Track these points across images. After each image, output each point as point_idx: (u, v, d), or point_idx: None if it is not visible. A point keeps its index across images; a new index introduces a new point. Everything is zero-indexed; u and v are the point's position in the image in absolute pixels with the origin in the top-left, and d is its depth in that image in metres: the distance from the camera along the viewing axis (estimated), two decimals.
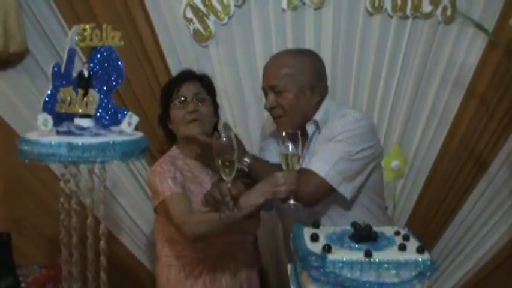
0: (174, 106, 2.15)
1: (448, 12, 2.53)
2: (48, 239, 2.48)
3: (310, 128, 2.12)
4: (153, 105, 2.51)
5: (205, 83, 2.22)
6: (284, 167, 1.85)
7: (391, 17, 2.53)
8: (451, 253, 2.74)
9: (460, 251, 2.74)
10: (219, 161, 1.77)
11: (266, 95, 2.15)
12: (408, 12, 2.52)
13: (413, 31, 2.55)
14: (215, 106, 2.25)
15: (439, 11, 2.53)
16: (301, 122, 2.11)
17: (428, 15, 2.53)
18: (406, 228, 1.71)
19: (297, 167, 1.85)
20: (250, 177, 2.01)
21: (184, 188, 2.07)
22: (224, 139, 1.76)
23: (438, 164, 2.60)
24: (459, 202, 2.68)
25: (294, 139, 1.82)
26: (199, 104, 2.15)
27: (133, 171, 2.61)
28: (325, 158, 1.98)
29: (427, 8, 2.53)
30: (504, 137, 2.62)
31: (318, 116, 2.11)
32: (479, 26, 2.46)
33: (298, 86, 2.09)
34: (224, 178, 1.80)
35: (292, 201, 1.86)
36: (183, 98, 2.14)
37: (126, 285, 2.64)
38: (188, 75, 2.20)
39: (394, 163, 1.68)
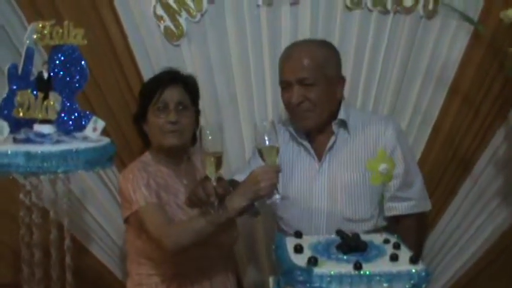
0: (153, 111, 2.02)
1: (430, 7, 2.45)
2: (13, 254, 2.32)
3: (335, 128, 2.05)
4: (122, 108, 2.41)
5: (190, 88, 2.10)
6: (262, 162, 1.76)
7: (371, 11, 2.43)
8: (436, 255, 2.67)
9: (446, 253, 2.67)
10: (205, 156, 1.67)
11: (286, 88, 2.05)
12: (389, 6, 2.43)
13: (394, 26, 2.46)
14: (197, 113, 2.12)
15: (420, 5, 2.44)
16: (327, 118, 2.05)
17: (409, 10, 2.44)
18: (396, 236, 1.61)
19: (276, 160, 1.76)
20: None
21: (159, 197, 1.95)
22: (208, 131, 1.67)
23: (423, 164, 2.50)
24: (444, 203, 2.61)
25: (270, 131, 1.73)
26: (181, 113, 2.02)
27: (103, 178, 2.48)
28: (425, 195, 2.16)
29: (408, 2, 2.43)
30: (489, 135, 2.55)
31: (343, 115, 2.06)
32: (466, 17, 2.38)
33: (327, 79, 2.02)
34: (209, 176, 1.70)
35: (277, 196, 1.77)
36: (164, 105, 2.01)
37: None
38: (173, 78, 2.07)
39: (382, 166, 1.57)
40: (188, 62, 2.43)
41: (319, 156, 2.08)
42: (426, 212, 2.23)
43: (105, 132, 2.30)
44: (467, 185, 2.59)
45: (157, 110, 2.02)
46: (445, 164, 2.57)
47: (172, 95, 2.03)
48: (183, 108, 2.04)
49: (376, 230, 1.99)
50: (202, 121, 2.31)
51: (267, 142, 1.72)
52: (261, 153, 1.75)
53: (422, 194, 2.15)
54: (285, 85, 2.05)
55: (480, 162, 2.57)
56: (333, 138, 2.06)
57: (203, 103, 2.38)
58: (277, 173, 1.77)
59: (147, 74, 2.32)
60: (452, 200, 2.61)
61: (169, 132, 2.00)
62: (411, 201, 2.09)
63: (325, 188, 2.05)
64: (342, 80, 2.10)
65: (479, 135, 2.55)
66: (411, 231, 2.07)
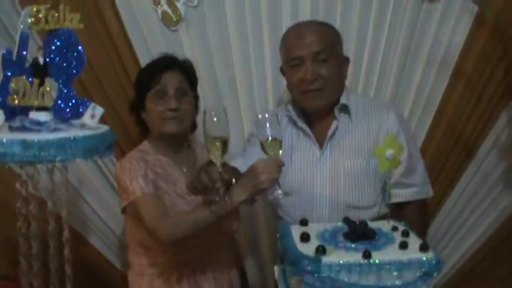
0: (152, 98, 1.97)
1: None
2: (11, 246, 2.28)
3: (337, 113, 2.02)
4: (119, 95, 2.37)
5: (188, 72, 2.05)
6: (264, 154, 1.69)
7: None
8: (439, 242, 2.63)
9: (449, 240, 2.63)
10: (210, 141, 1.61)
11: (296, 66, 1.99)
12: None
13: (396, 9, 2.39)
14: (196, 98, 2.07)
15: None
16: (334, 99, 2.02)
17: None
18: (403, 223, 1.58)
19: (279, 154, 1.69)
20: None
21: (156, 187, 1.90)
22: (213, 113, 1.60)
23: (425, 150, 2.47)
24: (447, 189, 2.57)
25: (272, 122, 1.67)
26: (181, 99, 1.97)
27: (101, 167, 2.45)
28: (427, 181, 2.13)
29: None
30: (492, 120, 2.50)
31: (344, 99, 2.02)
32: None
33: (338, 56, 2.00)
34: (214, 161, 1.63)
35: (279, 191, 1.70)
36: (163, 91, 1.96)
37: (96, 287, 2.47)
38: (170, 63, 2.02)
39: (389, 152, 1.53)
40: (186, 48, 2.38)
41: (320, 142, 2.04)
42: (428, 199, 2.20)
43: (102, 120, 2.31)
44: (470, 170, 2.55)
45: (156, 97, 1.97)
46: (448, 150, 2.53)
47: (171, 81, 1.98)
48: (182, 94, 1.99)
49: (379, 218, 1.95)
50: (202, 107, 2.27)
51: (270, 135, 1.65)
52: (263, 146, 1.68)
53: (424, 180, 2.13)
54: (296, 62, 1.99)
55: (483, 148, 2.52)
56: (334, 124, 2.02)
57: (202, 89, 2.35)
58: (280, 167, 1.71)
59: (144, 60, 2.27)
60: (455, 186, 2.57)
61: (169, 119, 1.96)
62: (414, 187, 2.07)
63: (327, 175, 2.01)
64: (347, 61, 2.08)
65: (482, 120, 2.50)
66: (414, 218, 2.02)
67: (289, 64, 2.02)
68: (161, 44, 2.34)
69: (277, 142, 1.66)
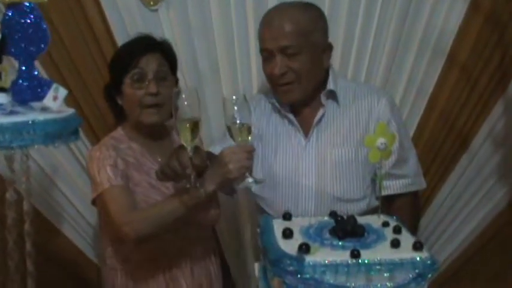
0: (129, 83, 1.85)
1: None
2: None
3: (323, 99, 1.93)
4: (95, 77, 2.26)
5: (168, 54, 1.93)
6: (232, 141, 1.61)
7: None
8: (431, 236, 2.57)
9: (441, 233, 2.57)
10: (180, 122, 1.52)
11: (267, 58, 1.89)
12: None
13: None
14: (176, 82, 1.97)
15: None
16: (313, 89, 1.93)
17: None
18: (395, 218, 1.46)
19: (248, 140, 1.60)
20: None
21: (127, 178, 1.79)
22: (183, 96, 1.54)
23: (418, 139, 2.40)
24: (440, 180, 2.50)
25: (241, 106, 1.57)
26: (161, 84, 1.85)
27: (76, 154, 2.34)
28: (419, 172, 2.07)
29: None
30: (488, 109, 2.43)
31: (332, 85, 1.93)
32: None
33: (313, 46, 1.87)
34: (184, 144, 1.54)
35: (250, 179, 1.62)
36: (141, 75, 1.84)
37: (69, 280, 2.41)
38: (148, 44, 1.89)
39: (380, 141, 1.42)
40: (166, 28, 2.28)
41: (306, 130, 1.95)
42: (420, 191, 2.12)
43: (76, 103, 2.19)
44: (464, 161, 2.48)
45: (134, 81, 1.85)
46: (441, 139, 2.46)
47: (150, 63, 1.85)
48: (162, 78, 1.87)
49: (368, 211, 1.87)
50: None
51: (237, 119, 1.56)
52: (230, 131, 1.59)
53: (417, 170, 2.05)
54: (266, 55, 1.90)
55: (478, 138, 2.46)
56: (321, 111, 1.93)
57: (182, 73, 2.24)
58: (249, 153, 1.62)
59: (122, 42, 2.12)
60: (448, 177, 2.50)
61: (149, 108, 1.84)
62: (406, 178, 1.98)
63: (312, 165, 1.92)
64: (328, 47, 1.95)
65: (477, 108, 2.43)
66: (406, 211, 1.96)
67: (261, 55, 1.94)
68: (140, 24, 2.22)
69: (245, 127, 1.58)
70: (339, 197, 1.90)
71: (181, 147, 1.59)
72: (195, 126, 1.53)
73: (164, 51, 1.92)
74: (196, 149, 1.60)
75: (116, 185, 1.75)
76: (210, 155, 1.77)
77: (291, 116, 1.95)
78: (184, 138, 1.54)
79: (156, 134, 1.94)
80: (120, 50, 1.97)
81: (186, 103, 1.53)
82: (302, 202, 1.91)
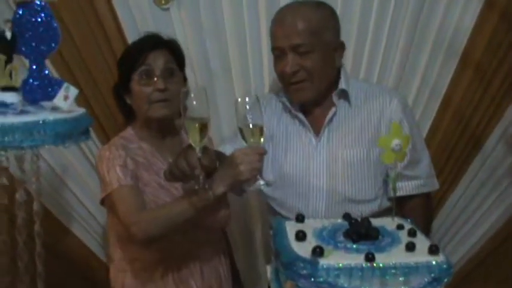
0: (137, 80, 1.84)
1: None
2: None
3: (335, 99, 1.91)
4: (106, 76, 2.26)
5: (175, 51, 1.92)
6: (244, 142, 1.59)
7: None
8: (443, 238, 2.54)
9: (453, 235, 2.54)
10: (188, 122, 1.50)
11: (279, 56, 1.89)
12: None
13: None
14: (185, 79, 1.96)
15: None
16: (324, 89, 1.91)
17: None
18: (410, 220, 1.44)
19: (260, 141, 1.58)
20: None
21: (136, 179, 1.78)
22: (192, 95, 1.51)
23: (431, 140, 2.38)
24: (453, 182, 2.47)
25: (254, 107, 1.55)
26: (169, 80, 1.84)
27: (86, 153, 2.34)
28: (432, 173, 2.03)
29: None
30: (502, 109, 2.39)
31: (344, 84, 1.92)
32: None
33: (325, 45, 1.86)
34: (193, 145, 1.52)
35: (261, 181, 1.61)
36: (149, 71, 1.83)
37: (80, 279, 2.42)
38: (155, 42, 1.89)
39: (395, 142, 1.40)
40: (178, 28, 2.27)
41: (317, 130, 1.93)
42: (432, 192, 2.09)
43: (87, 103, 2.18)
44: (477, 162, 2.45)
45: (141, 78, 1.85)
46: (455, 140, 2.44)
47: (158, 60, 1.85)
48: (170, 75, 1.87)
49: (380, 212, 1.85)
50: None
51: (250, 120, 1.54)
52: (242, 132, 1.57)
53: (429, 172, 2.02)
54: (278, 53, 1.89)
55: (491, 139, 2.42)
56: (333, 110, 1.91)
57: (194, 72, 2.25)
58: (261, 155, 1.60)
59: (132, 41, 2.11)
60: (461, 179, 2.47)
61: (157, 102, 1.83)
62: (419, 179, 1.96)
63: (324, 165, 1.90)
64: (341, 46, 1.94)
65: (491, 109, 2.40)
66: (418, 213, 1.93)
67: (273, 53, 1.93)
68: (151, 24, 2.23)
69: (258, 128, 1.55)
70: (350, 198, 1.88)
71: (190, 147, 1.57)
72: (203, 127, 1.51)
73: (172, 48, 1.92)
74: (205, 150, 1.58)
75: (125, 184, 1.74)
76: (219, 154, 1.76)
77: (301, 116, 1.94)
78: (193, 139, 1.52)
79: (165, 132, 1.93)
80: (128, 48, 1.97)
81: (194, 103, 1.51)
82: (313, 202, 1.89)
